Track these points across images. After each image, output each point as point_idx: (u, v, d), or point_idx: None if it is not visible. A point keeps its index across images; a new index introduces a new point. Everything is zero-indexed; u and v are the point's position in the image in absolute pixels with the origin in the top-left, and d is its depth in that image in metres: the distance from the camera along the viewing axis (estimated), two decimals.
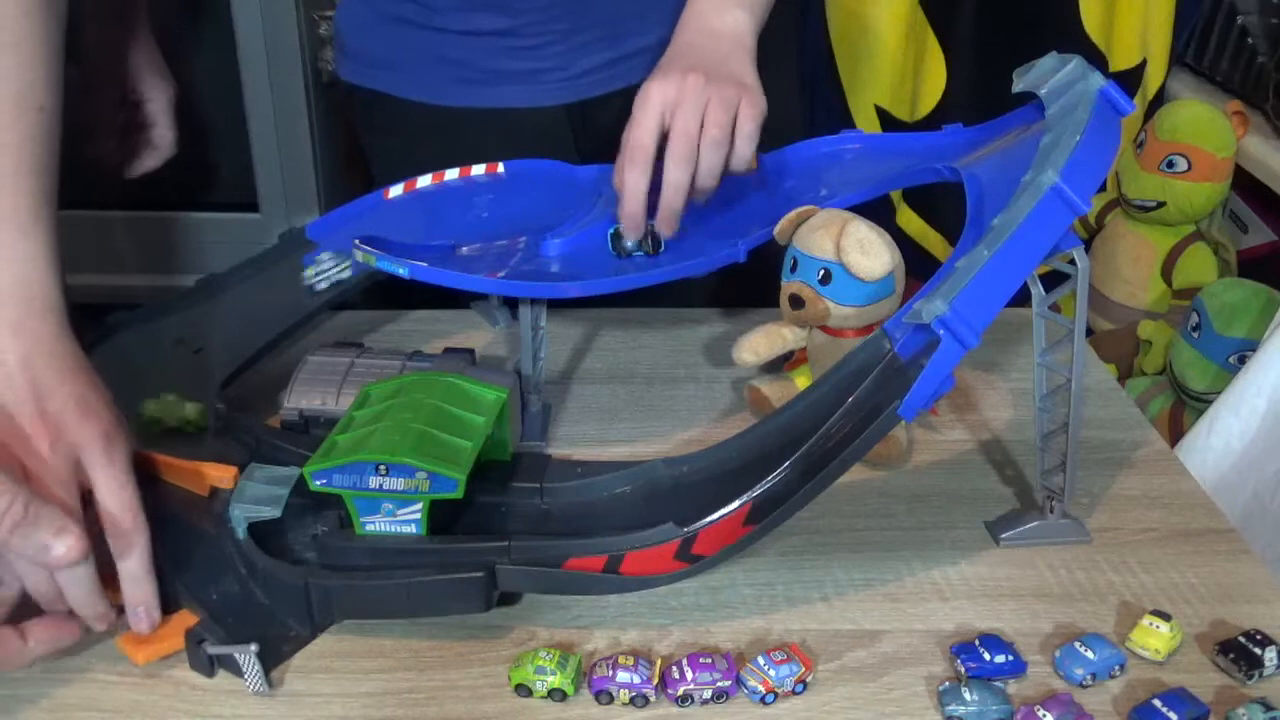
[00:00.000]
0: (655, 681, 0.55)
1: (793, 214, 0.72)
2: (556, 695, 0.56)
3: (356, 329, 0.89)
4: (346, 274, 0.80)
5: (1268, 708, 0.54)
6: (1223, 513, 0.71)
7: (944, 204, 1.66)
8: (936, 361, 0.57)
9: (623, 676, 0.55)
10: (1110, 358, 1.56)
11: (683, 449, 0.71)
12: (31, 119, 0.60)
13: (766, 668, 0.56)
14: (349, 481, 0.57)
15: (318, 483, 0.58)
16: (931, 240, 1.71)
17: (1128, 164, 1.58)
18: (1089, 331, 1.41)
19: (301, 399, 0.72)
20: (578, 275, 0.74)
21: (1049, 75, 0.68)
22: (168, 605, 0.59)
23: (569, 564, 0.58)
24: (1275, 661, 0.57)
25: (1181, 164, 1.51)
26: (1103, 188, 1.65)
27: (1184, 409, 1.43)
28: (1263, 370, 1.12)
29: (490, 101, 0.97)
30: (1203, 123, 1.51)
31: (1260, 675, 0.57)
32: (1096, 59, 1.62)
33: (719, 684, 0.55)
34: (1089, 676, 0.57)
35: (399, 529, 0.59)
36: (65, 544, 0.52)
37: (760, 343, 0.76)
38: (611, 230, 0.77)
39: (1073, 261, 0.61)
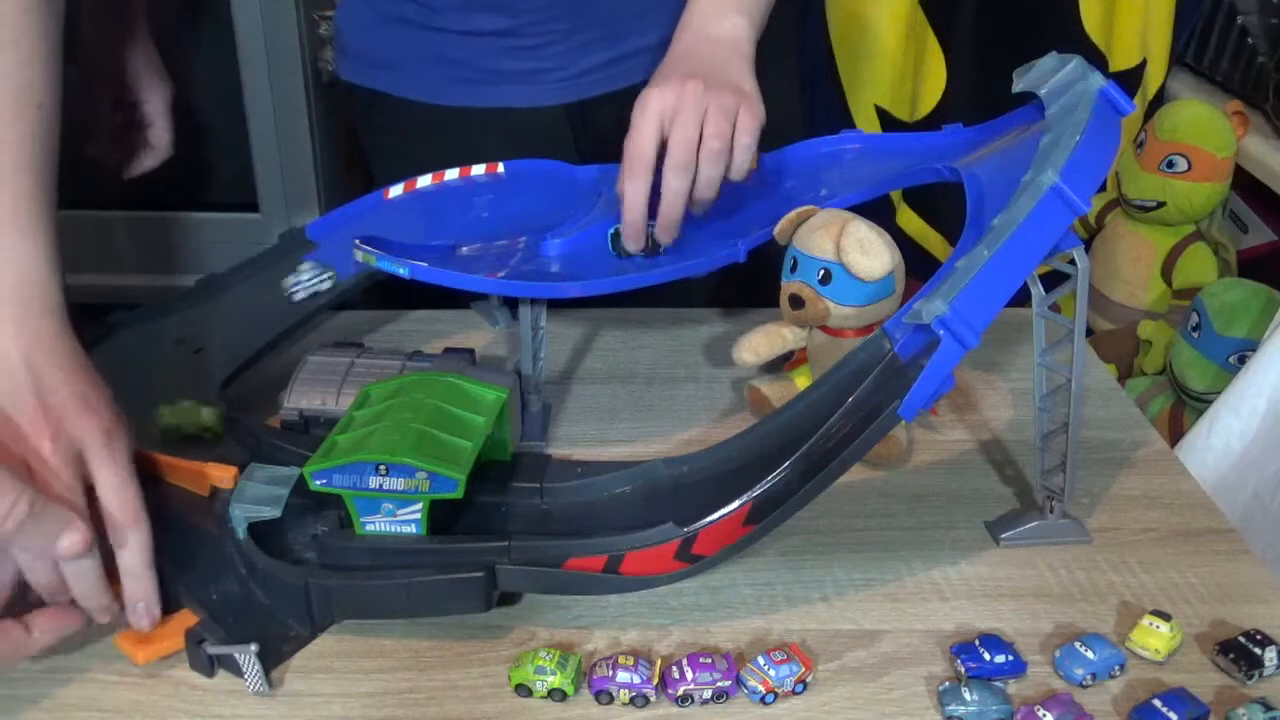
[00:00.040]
0: (655, 681, 0.55)
1: (793, 214, 0.72)
2: (556, 695, 0.56)
3: (356, 329, 0.89)
4: (326, 285, 0.79)
5: (1268, 708, 0.54)
6: (1223, 513, 0.71)
7: (944, 204, 1.66)
8: (936, 361, 0.57)
9: (623, 676, 0.55)
10: (1110, 358, 1.56)
11: (683, 449, 0.71)
12: (31, 116, 0.60)
13: (766, 668, 0.56)
14: (349, 481, 0.57)
15: (318, 483, 0.58)
16: (931, 240, 1.71)
17: (1128, 164, 1.58)
18: (1089, 331, 1.41)
19: (301, 399, 0.72)
20: (578, 275, 0.74)
21: (1049, 75, 0.68)
22: (168, 605, 0.59)
23: (569, 564, 0.58)
24: (1275, 661, 0.57)
25: (1181, 164, 1.51)
26: (1103, 188, 1.65)
27: (1184, 409, 1.43)
28: (1263, 370, 1.12)
29: (490, 101, 0.97)
30: (1203, 123, 1.51)
31: (1260, 675, 0.57)
32: (1096, 59, 1.62)
33: (719, 684, 0.55)
34: (1089, 676, 0.57)
35: (399, 529, 0.59)
36: (71, 537, 0.53)
37: (760, 343, 0.76)
38: (611, 231, 0.77)
39: (1073, 261, 0.61)
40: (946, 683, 0.56)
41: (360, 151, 1.09)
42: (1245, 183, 1.53)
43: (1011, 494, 0.72)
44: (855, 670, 0.58)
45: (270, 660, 0.57)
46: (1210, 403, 1.18)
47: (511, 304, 0.90)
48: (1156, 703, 0.54)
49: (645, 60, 0.94)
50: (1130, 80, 1.64)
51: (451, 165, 0.89)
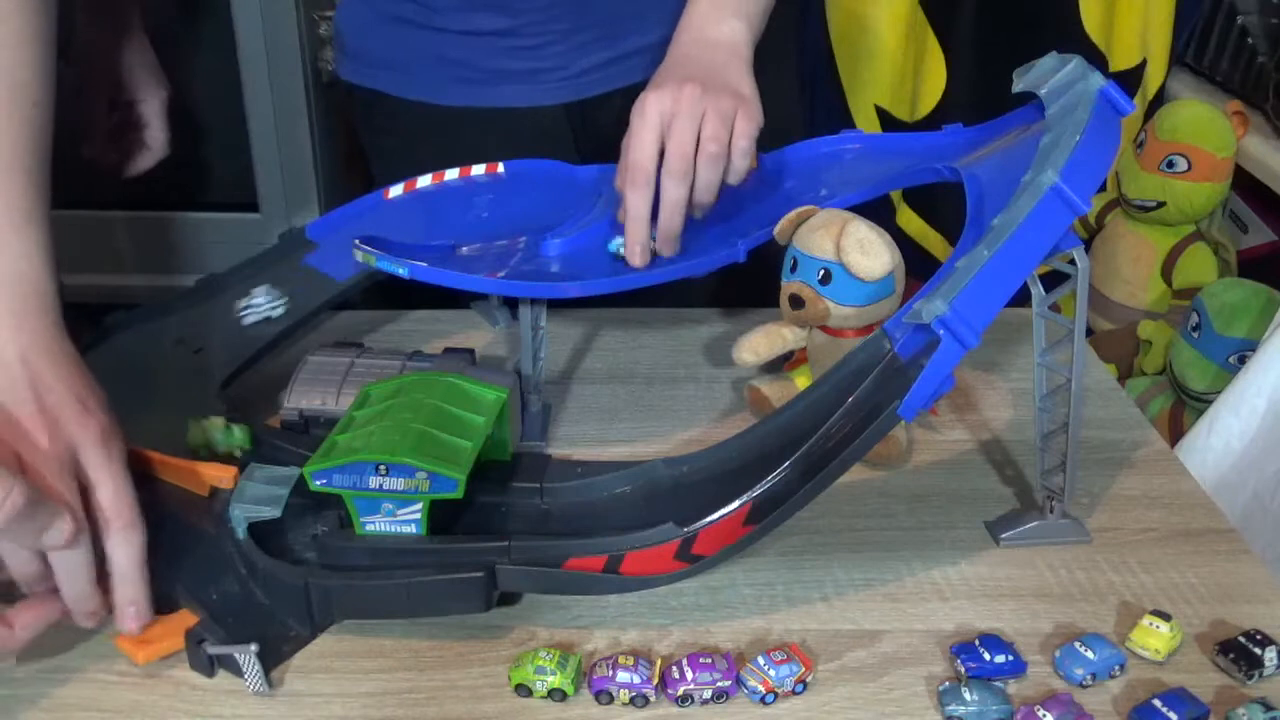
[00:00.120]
0: (655, 681, 0.55)
1: (793, 214, 0.72)
2: (556, 695, 0.56)
3: (356, 329, 0.89)
4: (278, 312, 0.78)
5: (1268, 708, 0.54)
6: (1223, 513, 0.71)
7: (944, 204, 1.66)
8: (936, 361, 0.57)
9: (623, 676, 0.55)
10: (1110, 358, 1.56)
11: (683, 449, 0.71)
12: (26, 115, 0.60)
13: (766, 668, 0.56)
14: (349, 481, 0.57)
15: (318, 483, 0.58)
16: (931, 240, 1.71)
17: (1128, 164, 1.58)
18: (1089, 331, 1.41)
19: (301, 399, 0.72)
20: (578, 275, 0.74)
21: (1049, 75, 0.68)
22: (168, 605, 0.59)
23: (569, 564, 0.58)
24: (1275, 661, 0.57)
25: (1181, 164, 1.51)
26: (1103, 188, 1.65)
27: (1184, 409, 1.43)
28: (1263, 370, 1.12)
29: (490, 101, 0.97)
30: (1203, 123, 1.51)
31: (1260, 675, 0.57)
32: (1096, 59, 1.62)
33: (719, 684, 0.55)
34: (1089, 676, 0.57)
35: (399, 529, 0.59)
36: (60, 527, 0.53)
37: (760, 343, 0.76)
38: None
39: (1073, 261, 0.61)
40: (946, 683, 0.56)
41: (360, 151, 1.09)
42: (1245, 183, 1.53)
43: (1011, 494, 0.72)
44: (855, 670, 0.58)
45: (270, 660, 0.57)
46: (1210, 403, 1.18)
47: (511, 304, 0.90)
48: (1156, 703, 0.54)
49: (645, 60, 0.94)
50: (1130, 80, 1.64)
51: (451, 165, 0.89)
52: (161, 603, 0.59)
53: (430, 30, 0.95)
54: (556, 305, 0.79)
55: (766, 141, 0.80)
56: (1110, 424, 0.80)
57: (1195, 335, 1.40)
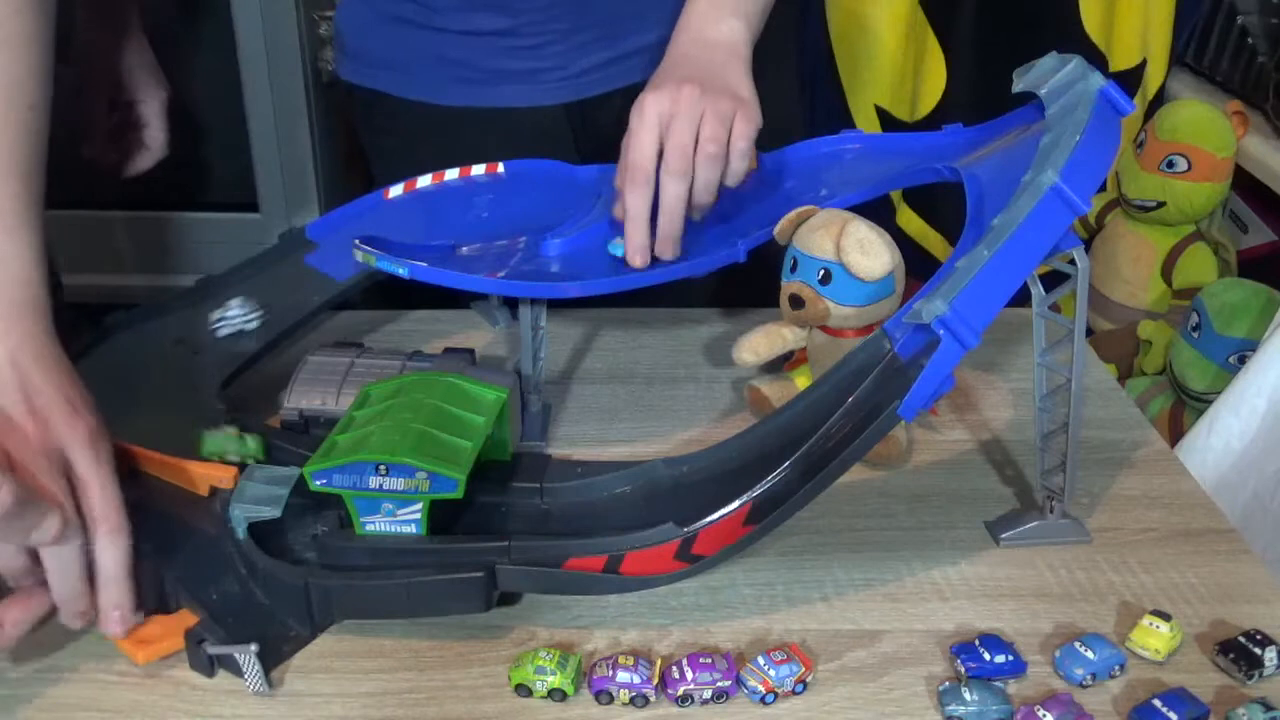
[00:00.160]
0: (655, 681, 0.55)
1: (793, 214, 0.72)
2: (556, 695, 0.56)
3: (356, 329, 0.89)
4: (253, 325, 0.78)
5: (1268, 708, 0.54)
6: (1223, 513, 0.71)
7: (944, 204, 1.66)
8: (936, 361, 0.57)
9: (623, 676, 0.55)
10: (1110, 358, 1.56)
11: (683, 449, 0.71)
12: (21, 117, 0.60)
13: (766, 668, 0.56)
14: (349, 481, 0.57)
15: (318, 483, 0.58)
16: (931, 240, 1.71)
17: (1128, 164, 1.58)
18: (1089, 331, 1.41)
19: (301, 399, 0.72)
20: (578, 275, 0.74)
21: (1049, 75, 0.68)
22: (168, 605, 0.59)
23: (569, 564, 0.58)
24: (1275, 661, 0.57)
25: (1181, 164, 1.51)
26: (1103, 188, 1.65)
27: (1184, 409, 1.43)
28: (1263, 370, 1.12)
29: (490, 101, 0.97)
30: (1203, 123, 1.51)
31: (1260, 675, 0.57)
32: (1096, 59, 1.62)
33: (719, 684, 0.55)
34: (1089, 676, 0.57)
35: (399, 529, 0.59)
36: (51, 526, 0.53)
37: (760, 343, 0.76)
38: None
39: (1073, 261, 0.61)
40: (946, 683, 0.56)
41: (360, 151, 1.09)
42: (1245, 183, 1.53)
43: (1011, 494, 0.72)
44: (855, 670, 0.58)
45: (270, 660, 0.57)
46: (1210, 403, 1.18)
47: (511, 304, 0.90)
48: (1156, 703, 0.54)
49: (645, 59, 0.94)
50: (1130, 80, 1.64)
51: (451, 165, 0.89)
52: (161, 602, 0.60)
53: (430, 30, 0.95)
54: (556, 305, 0.79)
55: (766, 141, 0.80)
56: (1110, 424, 0.80)
57: (1195, 335, 1.40)
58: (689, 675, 0.55)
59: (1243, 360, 1.24)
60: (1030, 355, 0.65)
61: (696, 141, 0.73)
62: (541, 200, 0.85)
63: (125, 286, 1.48)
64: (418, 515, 0.58)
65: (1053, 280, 0.63)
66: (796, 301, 0.70)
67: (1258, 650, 0.57)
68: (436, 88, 0.97)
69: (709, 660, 0.56)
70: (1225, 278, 1.51)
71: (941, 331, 0.56)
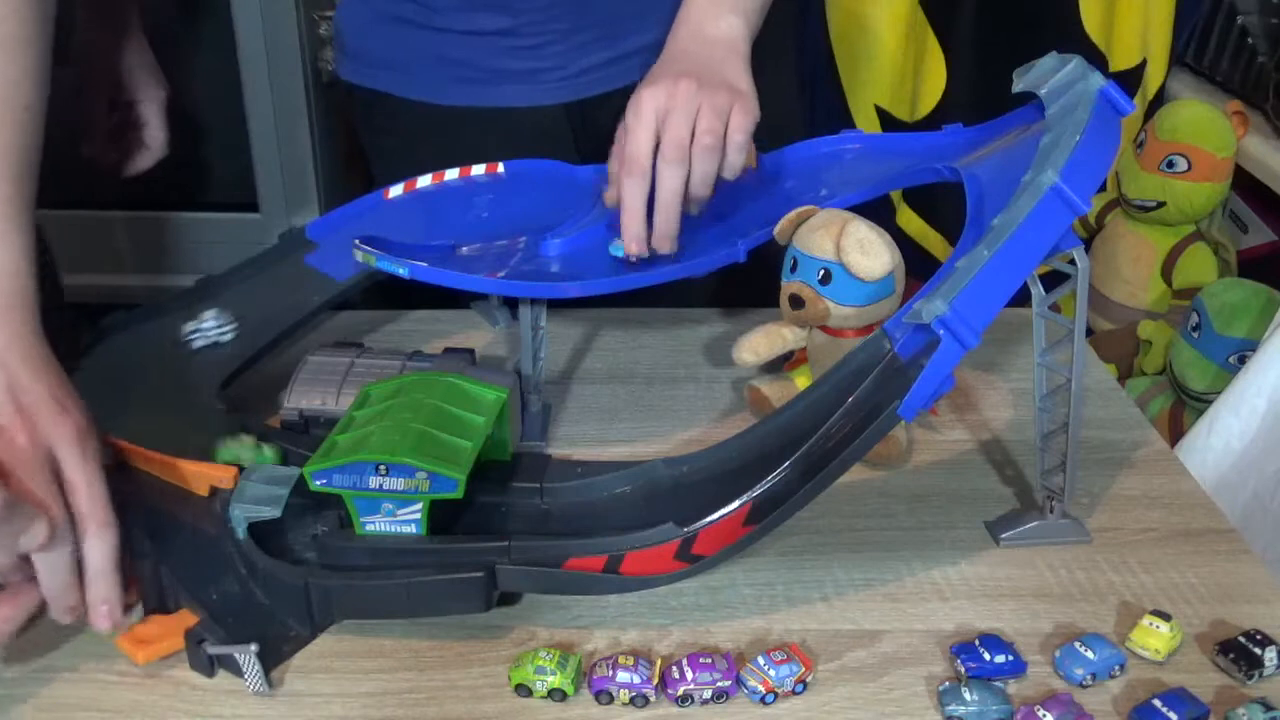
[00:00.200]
0: (655, 681, 0.55)
1: (793, 214, 0.72)
2: (556, 695, 0.56)
3: (356, 329, 0.89)
4: (227, 337, 0.77)
5: (1268, 708, 0.54)
6: (1223, 513, 0.71)
7: (944, 204, 1.66)
8: (936, 361, 0.57)
9: (623, 676, 0.55)
10: (1110, 358, 1.56)
11: (683, 449, 0.71)
12: (16, 118, 0.60)
13: (766, 668, 0.56)
14: (349, 481, 0.57)
15: (318, 483, 0.58)
16: (931, 240, 1.71)
17: (1128, 164, 1.58)
18: (1089, 331, 1.41)
19: (301, 399, 0.72)
20: (578, 275, 0.74)
21: (1049, 75, 0.68)
22: (167, 605, 0.59)
23: (569, 564, 0.58)
24: (1275, 661, 0.57)
25: (1181, 164, 1.51)
26: (1103, 188, 1.65)
27: (1184, 409, 1.43)
28: (1263, 370, 1.12)
29: (490, 101, 0.97)
30: (1203, 123, 1.51)
31: (1260, 675, 0.57)
32: (1096, 59, 1.62)
33: (719, 684, 0.55)
34: (1089, 676, 0.57)
35: (399, 529, 0.59)
36: (39, 532, 0.53)
37: (760, 343, 0.76)
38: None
39: (1073, 261, 0.61)
40: (946, 683, 0.56)
41: (360, 151, 1.09)
42: (1245, 183, 1.53)
43: (1011, 494, 0.72)
44: (855, 670, 0.58)
45: (270, 660, 0.57)
46: (1210, 403, 1.18)
47: (511, 304, 0.90)
48: (1156, 703, 0.54)
49: (644, 59, 0.93)
50: (1130, 80, 1.64)
51: (451, 165, 0.89)
52: (161, 602, 0.60)
53: (430, 30, 0.95)
54: (556, 305, 0.79)
55: (766, 141, 0.80)
56: (1110, 424, 0.80)
57: (1195, 335, 1.40)
58: (689, 675, 0.55)
59: (1243, 360, 1.24)
60: (1030, 355, 0.65)
61: (693, 135, 0.73)
62: (541, 200, 0.85)
63: (125, 286, 1.48)
64: (418, 515, 0.58)
65: (1053, 280, 0.63)
66: (796, 301, 0.71)
67: (1258, 650, 0.57)
68: (436, 88, 0.97)
69: (709, 660, 0.56)
70: (1225, 278, 1.51)
71: (941, 331, 0.56)
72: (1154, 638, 0.58)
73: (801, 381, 0.77)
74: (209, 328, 0.76)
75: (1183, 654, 0.59)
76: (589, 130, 1.00)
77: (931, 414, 0.79)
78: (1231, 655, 0.58)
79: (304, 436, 0.70)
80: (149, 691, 0.56)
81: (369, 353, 0.76)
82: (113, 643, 0.58)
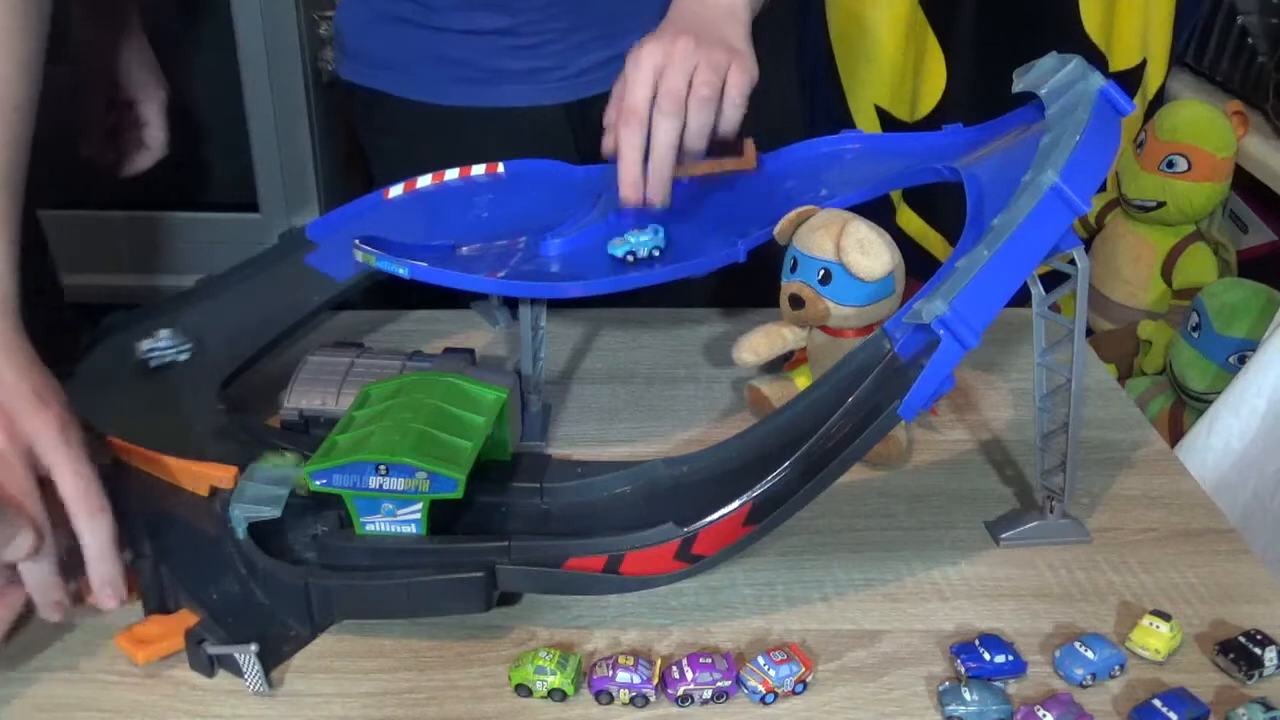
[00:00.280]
0: (655, 681, 0.55)
1: (793, 214, 0.72)
2: (556, 695, 0.56)
3: (356, 329, 0.89)
4: (184, 357, 0.76)
5: (1268, 708, 0.54)
6: (1223, 513, 0.71)
7: (944, 204, 1.66)
8: (936, 361, 0.57)
9: (623, 676, 0.55)
10: (1110, 358, 1.56)
11: (683, 449, 0.71)
12: (5, 119, 0.59)
13: (766, 668, 0.56)
14: (349, 481, 0.57)
15: (318, 483, 0.58)
16: (931, 240, 1.71)
17: (1128, 164, 1.58)
18: (1089, 331, 1.41)
19: (301, 399, 0.72)
20: (578, 275, 0.74)
21: (1049, 75, 0.68)
22: (167, 605, 0.59)
23: (569, 564, 0.58)
24: (1275, 661, 0.57)
25: (1181, 164, 1.51)
26: (1103, 188, 1.65)
27: (1184, 409, 1.43)
28: (1263, 370, 1.12)
29: (490, 101, 0.97)
30: (1203, 123, 1.51)
31: (1260, 675, 0.57)
32: (1096, 59, 1.62)
33: (719, 684, 0.55)
34: (1089, 676, 0.57)
35: (399, 529, 0.59)
36: (24, 542, 0.53)
37: (760, 343, 0.76)
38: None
39: (1073, 261, 0.61)
40: (946, 683, 0.56)
41: (360, 151, 1.09)
42: (1245, 183, 1.53)
43: (1011, 494, 0.72)
44: (855, 670, 0.58)
45: (270, 660, 0.57)
46: (1210, 403, 1.18)
47: (511, 304, 0.90)
48: (1156, 703, 0.54)
49: None
50: (1130, 80, 1.64)
51: (451, 165, 0.89)
52: (161, 602, 0.60)
53: (430, 30, 0.95)
54: (556, 305, 0.79)
55: (766, 142, 0.80)
56: (1110, 424, 0.80)
57: (1195, 335, 1.40)
58: (689, 675, 0.55)
59: (1243, 360, 1.24)
60: (1030, 355, 0.65)
61: (690, 89, 0.73)
62: (541, 200, 0.85)
63: (125, 286, 1.48)
64: (418, 515, 0.58)
65: (1053, 280, 0.63)
66: (796, 301, 0.70)
67: (1258, 650, 0.57)
68: (436, 87, 0.97)
69: (709, 660, 0.56)
70: (1225, 278, 1.51)
71: (941, 331, 0.56)
72: (1154, 638, 0.58)
73: (801, 381, 0.77)
74: (164, 346, 0.75)
75: (1183, 654, 0.59)
76: (589, 130, 0.99)
77: (931, 414, 0.79)
78: (1231, 655, 0.58)
79: (304, 436, 0.70)
80: (149, 691, 0.56)
81: (369, 353, 0.76)
82: (113, 643, 0.58)
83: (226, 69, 1.44)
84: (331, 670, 0.58)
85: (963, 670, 0.57)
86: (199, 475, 0.65)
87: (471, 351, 0.78)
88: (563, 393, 0.83)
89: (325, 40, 1.46)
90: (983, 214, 0.63)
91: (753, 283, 0.82)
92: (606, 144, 0.75)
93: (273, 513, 0.60)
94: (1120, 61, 1.65)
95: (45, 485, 0.56)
